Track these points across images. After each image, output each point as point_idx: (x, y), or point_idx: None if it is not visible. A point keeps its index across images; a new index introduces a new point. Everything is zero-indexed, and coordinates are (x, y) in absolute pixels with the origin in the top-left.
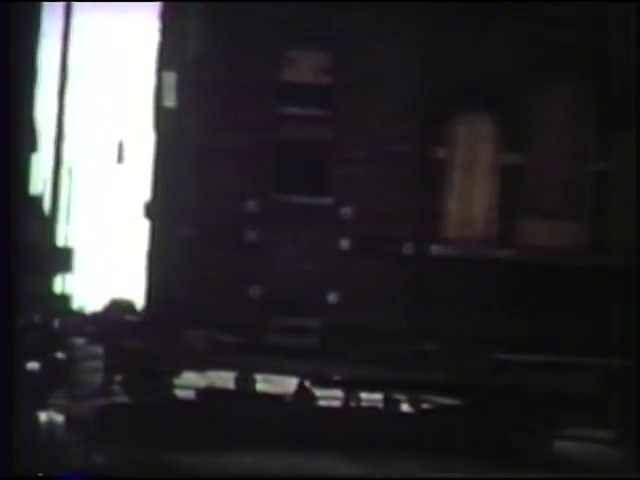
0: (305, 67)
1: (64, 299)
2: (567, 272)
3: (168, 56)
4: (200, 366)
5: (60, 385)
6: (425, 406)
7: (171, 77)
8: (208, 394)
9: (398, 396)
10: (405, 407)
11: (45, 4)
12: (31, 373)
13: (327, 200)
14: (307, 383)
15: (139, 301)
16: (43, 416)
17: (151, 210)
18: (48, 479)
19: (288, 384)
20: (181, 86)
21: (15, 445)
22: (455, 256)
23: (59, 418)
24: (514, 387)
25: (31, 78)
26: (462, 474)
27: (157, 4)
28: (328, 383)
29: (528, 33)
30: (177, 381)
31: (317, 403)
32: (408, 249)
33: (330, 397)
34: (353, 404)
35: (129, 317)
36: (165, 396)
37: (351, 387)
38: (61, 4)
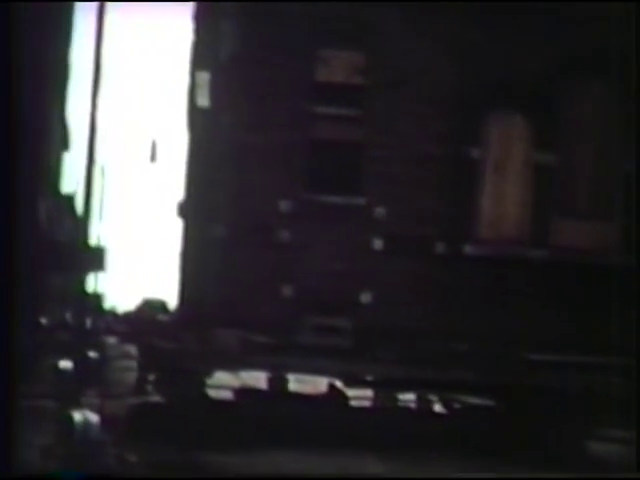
0: (338, 67)
1: (97, 298)
2: (600, 272)
3: (202, 56)
4: (232, 366)
5: (93, 384)
6: (457, 406)
7: (204, 77)
8: (240, 394)
9: (430, 396)
10: (437, 407)
11: (78, 3)
12: (64, 372)
13: (360, 200)
14: (339, 383)
15: (171, 300)
16: (77, 415)
17: (184, 209)
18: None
19: (320, 384)
20: (214, 86)
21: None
22: (488, 256)
23: (92, 417)
24: (546, 387)
25: (64, 77)
26: (493, 474)
27: (191, 4)
28: (360, 383)
29: (561, 32)
30: (209, 381)
31: (349, 403)
32: (441, 249)
33: (362, 397)
34: (386, 404)
35: (161, 316)
36: (197, 396)
37: (383, 387)
38: (94, 3)
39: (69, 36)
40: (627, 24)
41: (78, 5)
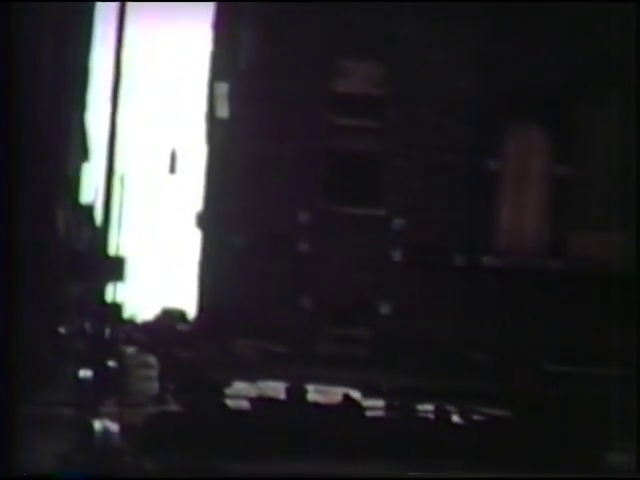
0: (357, 78)
1: (116, 308)
2: (617, 283)
3: (221, 66)
4: (251, 375)
5: (112, 393)
6: (475, 416)
7: (223, 87)
8: (259, 403)
9: (448, 406)
10: (455, 417)
11: (98, 12)
12: (83, 381)
13: (379, 211)
14: (357, 393)
15: (190, 310)
16: (96, 423)
17: (202, 220)
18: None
19: (338, 394)
20: (233, 96)
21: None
22: (506, 267)
23: (111, 425)
24: (564, 398)
25: (83, 86)
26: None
27: (210, 15)
28: (378, 393)
29: (579, 45)
30: (228, 390)
31: (367, 413)
32: (459, 260)
33: (380, 407)
34: (403, 414)
35: (180, 326)
36: (216, 405)
37: (401, 397)
38: (114, 14)
39: (89, 45)
40: None
41: (98, 15)
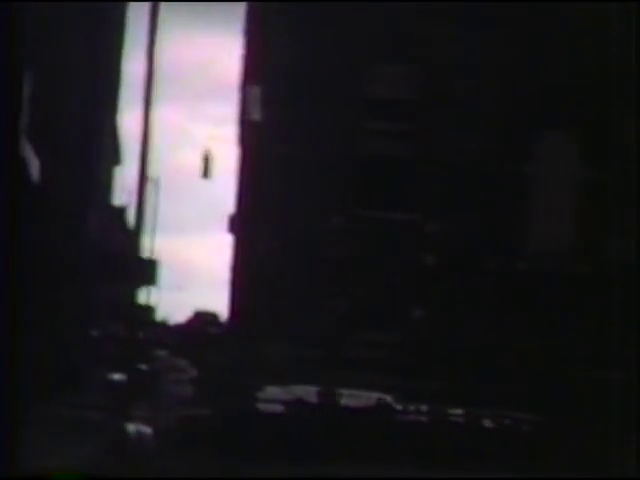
0: (390, 82)
1: (148, 311)
2: None
3: (253, 70)
4: (282, 380)
5: (144, 396)
6: (506, 421)
7: (256, 91)
8: (291, 407)
9: (479, 410)
10: (486, 422)
11: (131, 13)
12: (115, 384)
13: (411, 215)
14: (389, 397)
15: (222, 314)
16: (129, 426)
17: (235, 223)
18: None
19: (370, 398)
20: (266, 100)
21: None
22: (538, 271)
23: (144, 428)
24: (596, 402)
25: (115, 89)
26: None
27: (243, 20)
28: (410, 397)
29: (610, 49)
30: (260, 394)
31: (399, 417)
32: (491, 264)
33: (412, 411)
34: (435, 418)
35: (212, 330)
36: (248, 409)
37: (433, 401)
38: (146, 19)
39: (121, 47)
40: None
41: (132, 17)
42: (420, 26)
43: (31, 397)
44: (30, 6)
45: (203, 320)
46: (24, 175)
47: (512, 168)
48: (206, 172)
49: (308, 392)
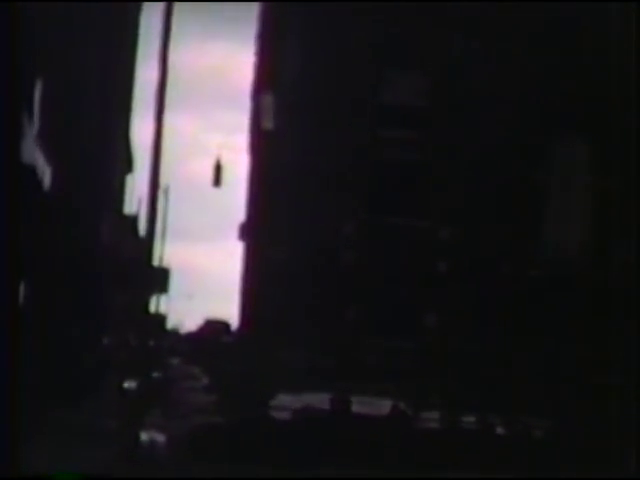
0: (402, 89)
1: (160, 319)
2: None
3: (266, 79)
4: (295, 387)
5: (157, 404)
6: (520, 427)
7: (268, 99)
8: (305, 415)
9: (493, 417)
10: (500, 428)
11: (144, 29)
12: (128, 391)
13: (424, 222)
14: (403, 404)
15: (234, 322)
16: (142, 434)
17: (246, 232)
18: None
19: (384, 405)
20: (278, 108)
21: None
22: (552, 277)
23: (157, 436)
24: (612, 410)
25: (128, 98)
26: None
27: (256, 29)
28: (424, 404)
29: (624, 58)
30: (273, 402)
31: (413, 424)
32: (505, 270)
33: (426, 418)
34: (449, 425)
35: (224, 337)
36: (261, 416)
37: (447, 408)
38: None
39: (134, 57)
40: None
41: (145, 27)
42: (434, 35)
43: (45, 404)
44: (44, 17)
45: (214, 328)
46: (37, 182)
47: (526, 174)
48: (217, 180)
49: (321, 399)
